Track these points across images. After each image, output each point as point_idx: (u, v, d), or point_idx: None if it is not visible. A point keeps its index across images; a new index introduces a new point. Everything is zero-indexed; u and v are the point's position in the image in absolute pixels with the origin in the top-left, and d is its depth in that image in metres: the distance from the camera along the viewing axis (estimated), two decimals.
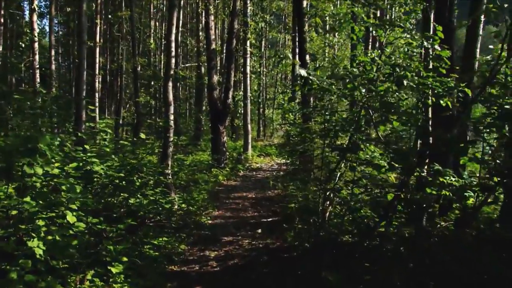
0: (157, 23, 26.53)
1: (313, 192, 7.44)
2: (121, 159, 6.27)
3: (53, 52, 22.07)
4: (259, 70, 26.11)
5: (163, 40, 24.95)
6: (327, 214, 5.84)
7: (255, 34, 23.93)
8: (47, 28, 28.15)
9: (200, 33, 20.36)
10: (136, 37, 17.03)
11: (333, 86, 4.42)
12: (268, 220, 8.10)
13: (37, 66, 17.48)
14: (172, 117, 8.02)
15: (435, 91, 4.36)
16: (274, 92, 33.44)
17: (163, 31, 25.54)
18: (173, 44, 8.05)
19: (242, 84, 23.82)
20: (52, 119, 12.59)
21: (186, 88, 38.77)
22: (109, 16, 19.16)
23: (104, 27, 22.15)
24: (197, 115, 20.98)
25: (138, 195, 6.09)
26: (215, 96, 13.98)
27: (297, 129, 8.86)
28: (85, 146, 5.98)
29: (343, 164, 5.72)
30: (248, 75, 17.19)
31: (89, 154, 5.00)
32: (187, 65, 33.54)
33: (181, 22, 24.78)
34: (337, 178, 5.89)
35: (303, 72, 4.19)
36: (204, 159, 16.02)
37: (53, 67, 21.68)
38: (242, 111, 18.62)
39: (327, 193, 5.73)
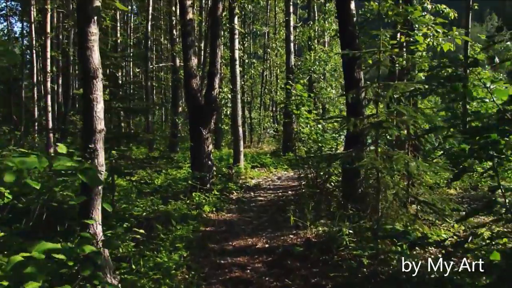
0: None
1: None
2: None
3: None
4: (246, 61, 21.76)
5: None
6: None
7: (240, 18, 19.77)
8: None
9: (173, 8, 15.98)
10: None
11: None
12: None
13: None
14: (101, 109, 3.53)
15: None
16: (261, 91, 29.15)
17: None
18: None
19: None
20: None
21: (161, 91, 34.13)
22: None
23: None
24: (172, 117, 16.44)
25: None
26: (194, 86, 9.60)
27: (359, 123, 4.67)
28: None
29: None
30: (237, 62, 12.88)
31: None
32: (160, 64, 29.37)
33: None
34: None
35: None
36: (181, 176, 11.60)
37: None
38: (230, 111, 14.28)
39: None
